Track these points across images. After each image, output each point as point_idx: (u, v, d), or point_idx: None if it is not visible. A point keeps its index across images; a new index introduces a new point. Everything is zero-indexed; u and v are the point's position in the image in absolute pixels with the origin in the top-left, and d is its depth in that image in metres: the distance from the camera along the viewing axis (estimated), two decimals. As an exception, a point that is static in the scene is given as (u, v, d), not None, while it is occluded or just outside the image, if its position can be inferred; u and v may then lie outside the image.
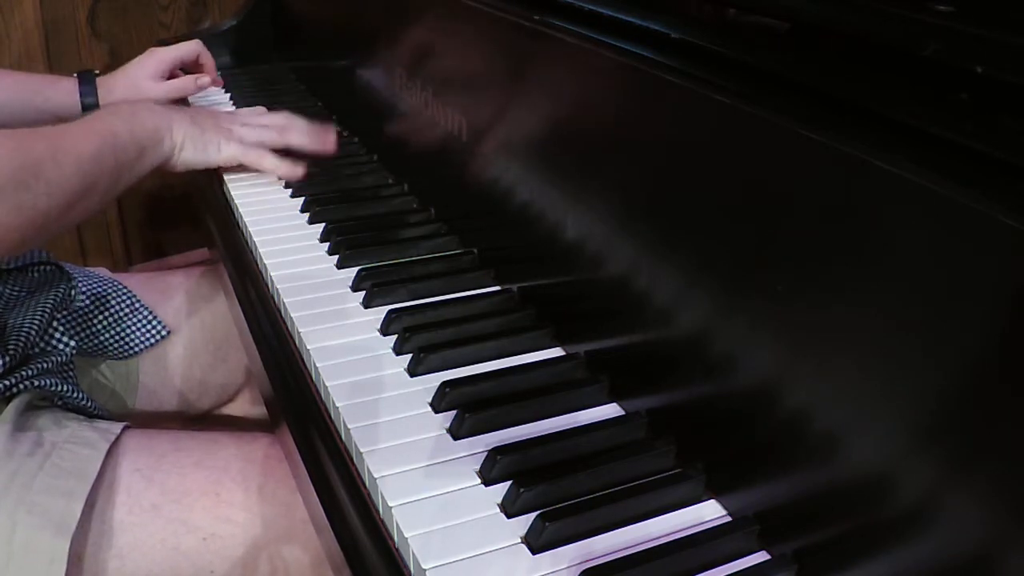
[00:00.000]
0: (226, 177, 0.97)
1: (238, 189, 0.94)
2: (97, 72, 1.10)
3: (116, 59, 1.64)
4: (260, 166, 0.93)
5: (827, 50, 0.48)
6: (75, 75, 1.08)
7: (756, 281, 0.47)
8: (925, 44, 0.41)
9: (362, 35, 1.04)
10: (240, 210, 0.89)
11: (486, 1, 0.72)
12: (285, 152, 0.95)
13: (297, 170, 0.93)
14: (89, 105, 1.06)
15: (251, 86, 1.28)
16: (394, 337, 0.66)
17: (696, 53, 0.53)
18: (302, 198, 0.91)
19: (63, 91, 1.06)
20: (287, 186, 0.94)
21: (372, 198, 0.92)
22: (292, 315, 0.69)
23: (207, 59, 1.20)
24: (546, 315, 0.67)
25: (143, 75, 1.10)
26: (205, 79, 1.16)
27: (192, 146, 0.88)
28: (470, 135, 0.77)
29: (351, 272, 0.76)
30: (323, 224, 0.85)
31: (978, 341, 0.36)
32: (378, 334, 0.68)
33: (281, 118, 0.97)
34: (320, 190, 0.93)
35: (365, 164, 1.01)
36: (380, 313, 0.69)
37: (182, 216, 1.72)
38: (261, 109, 1.04)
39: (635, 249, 0.57)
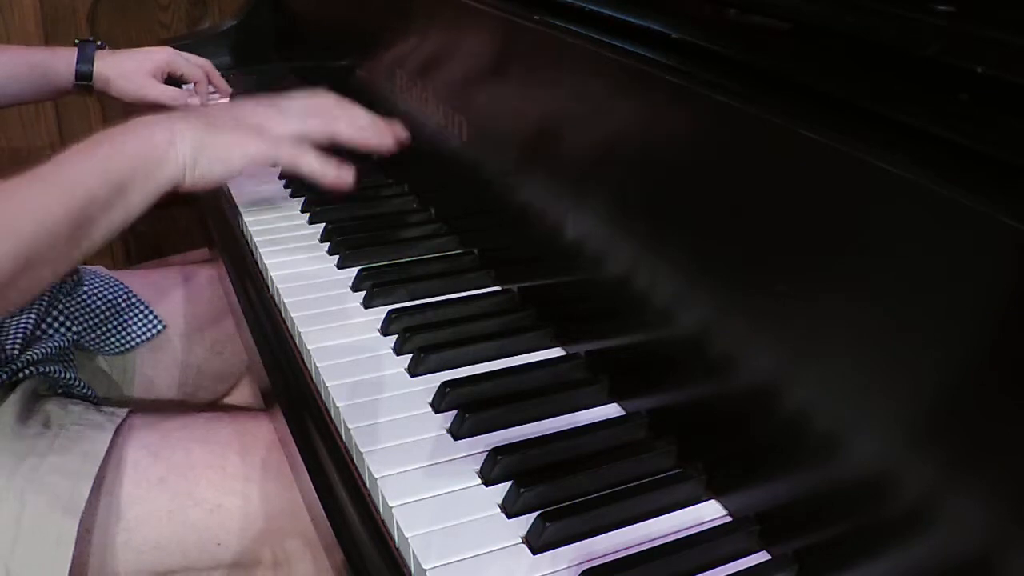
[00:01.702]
0: (226, 177, 0.97)
1: (238, 188, 0.94)
2: (100, 43, 1.08)
3: (116, 59, 1.64)
4: (297, 167, 0.74)
5: (827, 50, 0.47)
6: (75, 43, 1.06)
7: (756, 281, 0.47)
8: (925, 44, 0.41)
9: (362, 35, 1.04)
10: (240, 209, 0.89)
11: (486, 1, 0.72)
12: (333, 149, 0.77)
13: (345, 175, 0.74)
14: (83, 73, 1.04)
15: (251, 86, 1.28)
16: (394, 337, 0.66)
17: (696, 53, 0.53)
18: (302, 198, 0.91)
19: (62, 61, 1.04)
20: (287, 186, 0.94)
21: (372, 198, 0.92)
22: (292, 315, 0.69)
23: (210, 82, 1.15)
24: (546, 315, 0.67)
25: (144, 68, 1.08)
26: (196, 99, 1.12)
27: (207, 157, 0.71)
28: (470, 135, 0.76)
29: (351, 272, 0.76)
30: (323, 224, 0.85)
31: (978, 341, 0.36)
32: (378, 334, 0.68)
33: (329, 101, 0.79)
34: (320, 190, 0.92)
35: (365, 164, 1.01)
36: (380, 313, 0.69)
37: (182, 216, 1.71)
38: (303, 95, 0.82)
39: (635, 249, 0.57)
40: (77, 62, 1.04)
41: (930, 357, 0.38)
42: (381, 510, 0.51)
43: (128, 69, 1.08)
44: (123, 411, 0.76)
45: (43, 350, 0.78)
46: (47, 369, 0.77)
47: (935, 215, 0.37)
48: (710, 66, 0.51)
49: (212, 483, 0.72)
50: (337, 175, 0.72)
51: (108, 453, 0.70)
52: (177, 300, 1.01)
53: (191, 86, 1.16)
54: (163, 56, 1.09)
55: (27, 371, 0.76)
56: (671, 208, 0.54)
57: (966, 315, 0.36)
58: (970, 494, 0.36)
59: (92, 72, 1.05)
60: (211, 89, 1.17)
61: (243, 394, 1.07)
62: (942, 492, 0.38)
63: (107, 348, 0.93)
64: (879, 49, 0.44)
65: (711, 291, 0.51)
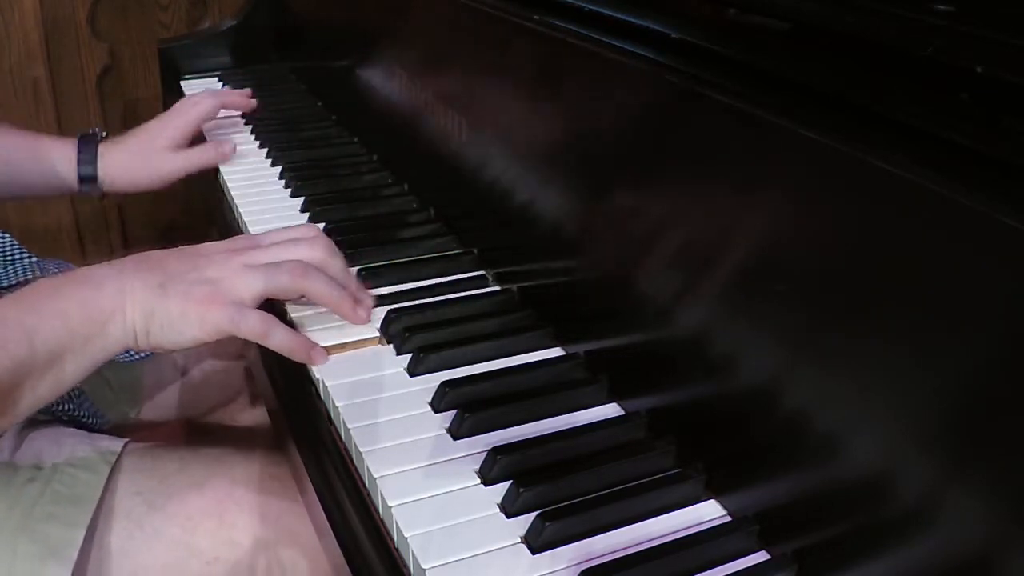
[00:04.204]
0: (226, 176, 0.97)
1: (238, 189, 0.94)
2: (104, 134, 0.98)
3: (116, 59, 1.64)
4: (263, 343, 0.64)
5: (827, 50, 0.48)
6: (76, 138, 0.97)
7: (755, 280, 0.47)
8: (925, 44, 0.41)
9: (362, 35, 1.04)
10: (240, 210, 0.89)
11: (486, 1, 0.72)
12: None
13: (317, 355, 0.64)
14: (86, 176, 0.96)
15: (251, 86, 1.28)
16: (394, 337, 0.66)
17: (696, 53, 0.53)
18: (302, 198, 0.91)
19: (64, 156, 0.96)
20: (287, 186, 0.94)
21: (372, 198, 0.92)
22: (292, 316, 0.69)
23: (231, 100, 1.07)
24: (546, 315, 0.67)
25: (156, 147, 0.98)
26: (227, 147, 1.00)
27: (159, 325, 0.62)
28: (470, 135, 0.77)
29: (351, 272, 0.76)
30: (323, 224, 0.85)
31: (978, 341, 0.36)
32: (378, 334, 0.67)
33: (304, 253, 0.68)
34: (320, 190, 0.92)
35: (365, 164, 1.01)
36: (380, 313, 0.69)
37: (182, 217, 1.72)
38: (284, 234, 0.71)
39: (634, 249, 0.57)
40: (78, 163, 0.95)
41: (929, 357, 0.38)
42: (380, 510, 0.51)
43: (134, 165, 0.98)
44: (117, 445, 0.73)
45: None
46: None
47: (935, 215, 0.37)
48: (710, 66, 0.51)
49: (209, 533, 0.70)
50: (308, 356, 0.64)
51: (101, 499, 0.68)
52: None
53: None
54: (168, 131, 0.98)
55: None
56: (670, 208, 0.54)
57: (965, 315, 0.36)
58: (970, 494, 0.36)
59: (95, 174, 0.96)
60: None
61: (244, 402, 1.06)
62: (942, 492, 0.38)
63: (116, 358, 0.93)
64: (879, 49, 0.44)
65: (710, 291, 0.51)
